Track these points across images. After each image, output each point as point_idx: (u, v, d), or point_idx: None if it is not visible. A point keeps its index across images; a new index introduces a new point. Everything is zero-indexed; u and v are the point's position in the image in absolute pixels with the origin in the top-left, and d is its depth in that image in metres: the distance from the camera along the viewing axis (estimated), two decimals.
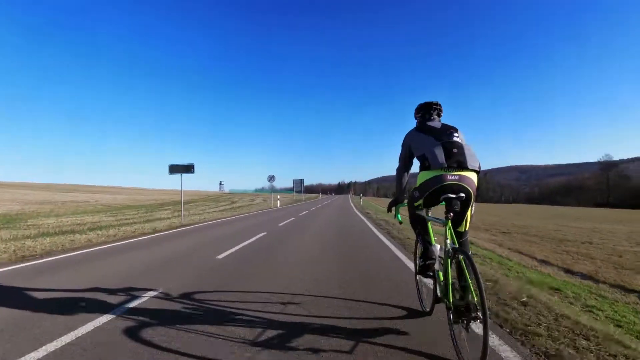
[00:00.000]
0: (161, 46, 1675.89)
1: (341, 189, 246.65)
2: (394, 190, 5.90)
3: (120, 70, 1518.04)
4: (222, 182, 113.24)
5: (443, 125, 2.52)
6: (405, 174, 2.71)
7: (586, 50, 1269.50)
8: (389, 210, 2.88)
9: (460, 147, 2.28)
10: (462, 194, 2.21)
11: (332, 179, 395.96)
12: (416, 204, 2.44)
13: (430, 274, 2.51)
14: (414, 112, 2.80)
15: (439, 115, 2.70)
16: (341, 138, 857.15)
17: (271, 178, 28.62)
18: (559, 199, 79.59)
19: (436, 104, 2.68)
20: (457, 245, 2.24)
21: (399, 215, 2.90)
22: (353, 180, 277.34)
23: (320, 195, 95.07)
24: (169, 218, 15.31)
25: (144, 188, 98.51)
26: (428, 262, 2.38)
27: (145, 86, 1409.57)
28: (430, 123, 2.57)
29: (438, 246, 2.44)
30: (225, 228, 10.91)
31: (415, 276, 3.20)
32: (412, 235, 4.38)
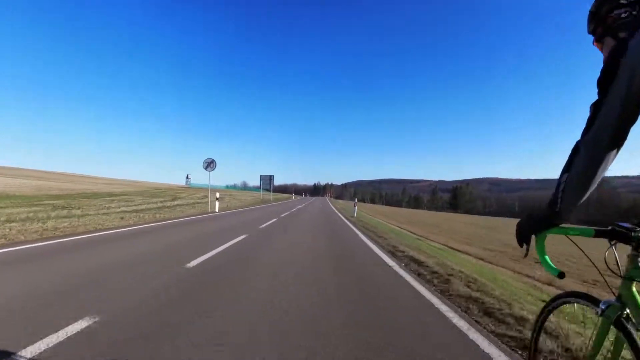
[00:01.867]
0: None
1: (317, 190, 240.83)
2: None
3: (93, 55, 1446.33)
4: (189, 176, 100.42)
5: None
6: (616, 150, 0.93)
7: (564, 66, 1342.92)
8: (523, 241, 1.08)
9: None
10: None
11: (307, 180, 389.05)
12: None
13: None
14: (589, 15, 1.12)
15: None
16: (321, 140, 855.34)
17: (209, 164, 17.69)
18: None
19: None
20: None
21: (547, 258, 1.08)
22: (330, 182, 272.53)
23: (294, 196, 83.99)
24: None
25: (93, 176, 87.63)
26: None
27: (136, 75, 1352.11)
28: None
29: None
30: None
31: None
32: None
